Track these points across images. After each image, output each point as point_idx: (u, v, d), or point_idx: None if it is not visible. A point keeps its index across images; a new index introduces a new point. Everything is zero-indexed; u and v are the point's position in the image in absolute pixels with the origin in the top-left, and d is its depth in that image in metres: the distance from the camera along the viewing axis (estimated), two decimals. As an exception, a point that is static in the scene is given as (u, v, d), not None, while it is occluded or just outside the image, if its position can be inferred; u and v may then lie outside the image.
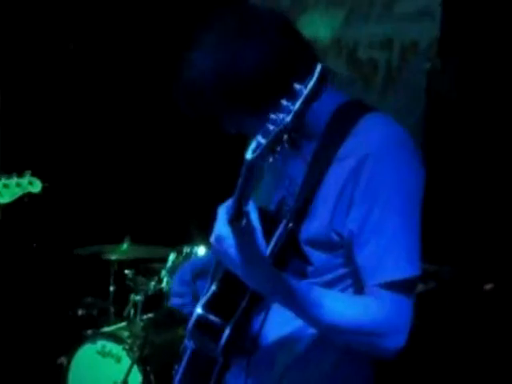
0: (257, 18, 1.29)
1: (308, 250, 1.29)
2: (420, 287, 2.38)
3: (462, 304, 2.72)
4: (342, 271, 1.30)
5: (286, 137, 1.02)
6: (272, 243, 1.26)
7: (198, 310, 1.30)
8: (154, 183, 3.95)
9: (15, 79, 3.66)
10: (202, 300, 1.32)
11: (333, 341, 1.30)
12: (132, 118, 3.97)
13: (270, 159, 1.04)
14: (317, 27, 3.57)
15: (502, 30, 2.98)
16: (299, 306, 1.23)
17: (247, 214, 1.12)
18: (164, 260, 3.04)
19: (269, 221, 1.27)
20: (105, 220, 3.81)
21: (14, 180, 2.77)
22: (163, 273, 3.00)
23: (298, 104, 1.02)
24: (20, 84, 3.70)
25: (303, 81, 1.02)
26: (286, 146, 1.03)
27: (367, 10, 3.53)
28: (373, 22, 3.52)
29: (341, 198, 1.26)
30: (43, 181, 2.82)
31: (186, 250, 2.92)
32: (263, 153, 1.03)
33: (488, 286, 2.75)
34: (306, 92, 1.02)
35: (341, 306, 1.24)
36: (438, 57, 3.26)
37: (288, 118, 1.01)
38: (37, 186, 2.82)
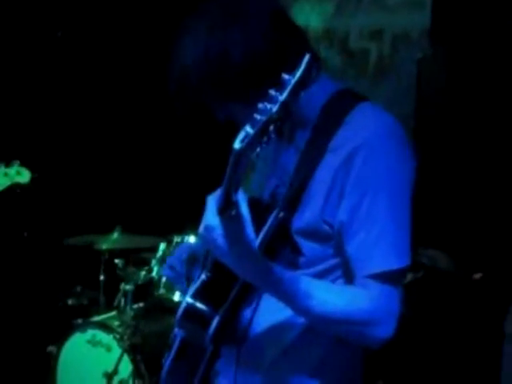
0: (249, 4, 1.28)
1: (299, 240, 1.29)
2: (409, 276, 2.39)
3: (452, 293, 2.73)
4: (332, 262, 1.30)
5: (272, 127, 1.02)
6: (263, 232, 1.26)
7: (188, 299, 1.30)
8: (144, 173, 3.94)
9: (2, 69, 3.63)
10: (192, 289, 1.32)
11: (322, 330, 1.30)
12: (122, 108, 3.95)
13: (258, 149, 1.04)
14: (308, 17, 3.56)
15: (492, 20, 2.98)
16: (288, 296, 1.23)
17: (236, 204, 1.12)
18: (154, 250, 3.04)
19: (261, 210, 1.27)
20: (95, 209, 3.80)
21: (2, 170, 2.72)
22: (153, 262, 3.00)
23: (284, 94, 1.01)
24: (7, 74, 3.67)
25: (293, 70, 1.02)
26: (273, 136, 1.03)
27: (358, 0, 3.53)
28: (364, 12, 3.52)
29: (332, 188, 1.26)
30: (32, 171, 2.78)
31: (177, 239, 2.92)
32: (250, 142, 1.02)
33: (477, 276, 2.76)
34: (293, 82, 1.01)
35: (330, 297, 1.24)
36: (429, 46, 3.26)
37: (274, 109, 1.01)
38: (25, 176, 2.77)
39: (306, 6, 3.62)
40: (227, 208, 1.11)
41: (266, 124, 1.01)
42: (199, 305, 1.29)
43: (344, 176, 1.25)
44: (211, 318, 1.26)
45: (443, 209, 2.98)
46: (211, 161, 3.77)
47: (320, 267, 1.30)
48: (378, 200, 1.23)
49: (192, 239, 2.88)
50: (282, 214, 1.27)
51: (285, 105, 1.01)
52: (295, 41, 1.29)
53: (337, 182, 1.25)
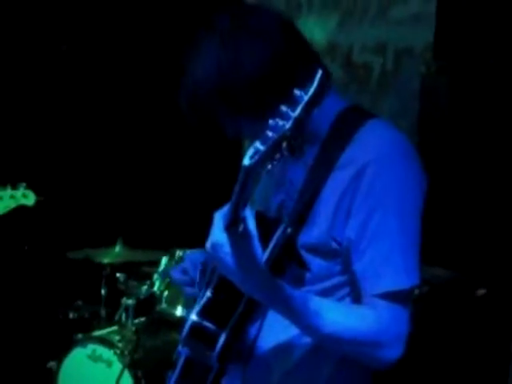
0: (261, 17, 1.28)
1: (306, 255, 1.27)
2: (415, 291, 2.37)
3: (455, 308, 2.71)
4: (340, 279, 1.29)
5: (285, 144, 1.01)
6: (270, 248, 1.24)
7: (193, 317, 1.28)
8: (146, 186, 3.93)
9: (7, 86, 3.64)
10: (197, 307, 1.29)
11: (329, 349, 1.28)
12: (126, 121, 3.95)
13: (269, 166, 1.02)
14: (311, 31, 3.56)
15: (497, 34, 2.98)
16: (296, 314, 1.21)
17: (244, 221, 1.10)
18: (156, 264, 3.02)
19: (267, 224, 1.25)
20: (97, 223, 3.78)
21: (8, 192, 2.77)
22: (155, 276, 2.97)
23: (298, 111, 1.00)
24: (12, 92, 3.68)
25: (304, 85, 1.01)
26: (286, 153, 1.02)
27: (361, 14, 3.53)
28: (367, 26, 3.52)
29: (340, 206, 1.24)
30: (37, 192, 2.82)
31: (179, 253, 2.90)
32: (261, 159, 1.01)
33: (480, 292, 2.74)
34: (306, 98, 1.00)
35: (338, 316, 1.22)
36: (433, 61, 3.26)
37: (287, 125, 0.99)
38: (31, 199, 2.81)
39: (309, 19, 3.63)
40: (235, 224, 1.09)
41: (279, 141, 1.00)
42: (205, 323, 1.26)
43: (353, 193, 1.23)
44: (217, 337, 1.24)
45: (446, 224, 2.96)
46: (215, 175, 3.77)
47: (327, 284, 1.28)
48: (387, 217, 1.22)
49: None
50: (289, 230, 1.25)
51: (298, 121, 1.00)
52: (306, 54, 1.28)
53: (345, 199, 1.24)
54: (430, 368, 2.61)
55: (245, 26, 1.25)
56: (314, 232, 1.26)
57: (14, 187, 2.79)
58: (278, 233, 1.25)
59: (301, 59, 1.26)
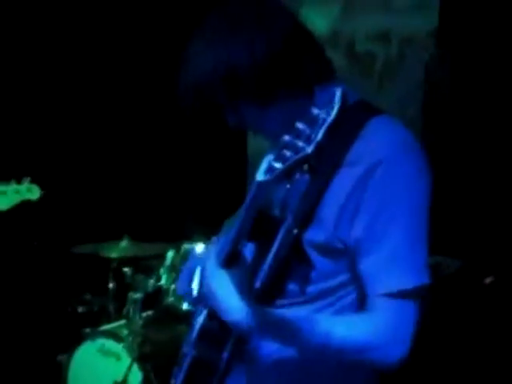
0: (266, 8, 1.28)
1: (312, 253, 1.26)
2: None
3: (463, 298, 2.70)
4: (345, 277, 1.28)
5: (306, 167, 1.00)
6: (275, 247, 1.23)
7: (202, 319, 1.29)
8: (152, 180, 3.93)
9: (10, 82, 3.64)
10: (205, 309, 1.30)
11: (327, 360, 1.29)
12: (129, 116, 3.95)
13: (288, 186, 1.02)
14: (314, 20, 3.55)
15: (500, 22, 2.96)
16: (295, 339, 1.21)
17: (241, 255, 1.11)
18: (163, 257, 3.03)
19: (270, 223, 1.24)
20: (104, 218, 3.80)
21: (13, 187, 2.75)
22: (162, 270, 2.98)
23: (320, 135, 0.99)
24: (15, 90, 3.68)
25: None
26: (306, 174, 1.02)
27: (364, 2, 3.51)
28: (370, 14, 3.50)
29: (347, 204, 1.23)
30: (41, 186, 2.81)
31: (185, 247, 2.91)
32: (277, 177, 1.00)
33: (488, 280, 2.73)
34: (329, 120, 0.99)
35: (341, 329, 1.22)
36: (436, 48, 3.24)
37: (309, 150, 0.99)
38: (35, 193, 2.80)
39: (312, 8, 3.61)
40: (231, 263, 1.10)
41: (299, 162, 0.99)
42: (214, 325, 1.26)
43: (360, 193, 1.22)
44: (226, 339, 1.24)
45: (450, 212, 2.96)
46: (219, 168, 3.78)
47: (332, 282, 1.28)
48: (395, 217, 1.21)
49: (199, 247, 2.87)
50: (295, 231, 1.23)
51: (320, 146, 0.99)
52: (310, 45, 1.28)
53: (352, 198, 1.22)
54: (439, 361, 2.61)
55: (258, 16, 1.25)
56: (320, 231, 1.25)
57: (19, 182, 2.79)
58: (282, 231, 1.23)
59: (305, 50, 1.26)
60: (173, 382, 1.38)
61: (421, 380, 2.56)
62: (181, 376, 1.35)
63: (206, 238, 2.79)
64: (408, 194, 1.22)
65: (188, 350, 1.32)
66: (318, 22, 3.59)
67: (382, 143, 1.24)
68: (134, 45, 3.88)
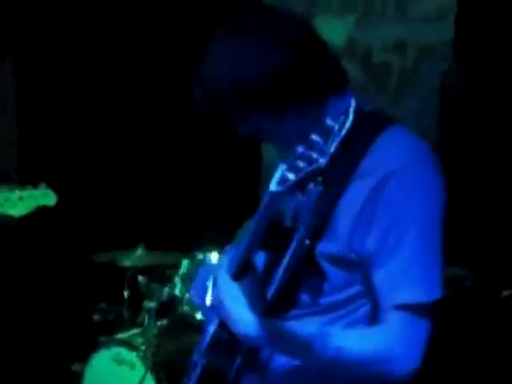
0: (285, 19, 1.29)
1: (325, 265, 1.25)
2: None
3: (480, 311, 2.67)
4: (358, 289, 1.27)
5: (319, 178, 1.00)
6: (287, 258, 1.22)
7: (213, 329, 1.29)
8: (167, 189, 3.94)
9: (35, 90, 3.67)
10: (217, 318, 1.29)
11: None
12: (147, 127, 3.97)
13: (300, 197, 1.02)
14: (330, 31, 3.54)
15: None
16: (305, 354, 1.21)
17: (252, 267, 1.11)
18: (178, 266, 3.03)
19: (283, 234, 1.23)
20: (119, 226, 3.81)
21: (29, 192, 2.74)
22: (176, 279, 2.99)
23: (333, 147, 0.99)
24: (38, 97, 3.71)
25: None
26: (320, 185, 1.01)
27: (380, 13, 3.51)
28: (386, 25, 3.49)
29: (360, 216, 1.22)
30: (57, 192, 2.80)
31: (200, 256, 2.91)
32: (291, 189, 1.01)
33: (506, 293, 2.70)
34: (343, 133, 0.99)
35: (354, 344, 1.21)
36: (453, 58, 3.22)
37: (323, 162, 0.99)
38: (51, 199, 2.78)
39: (327, 20, 3.61)
40: (242, 273, 1.10)
41: (312, 174, 1.00)
42: (225, 335, 1.26)
43: (373, 205, 1.21)
44: (237, 348, 1.24)
45: (467, 224, 2.93)
46: (234, 177, 3.78)
47: (345, 293, 1.27)
48: (408, 230, 1.20)
49: (214, 256, 2.87)
50: (307, 242, 1.22)
51: (334, 158, 1.00)
52: (325, 55, 1.29)
53: (365, 210, 1.22)
54: (454, 373, 2.58)
55: (266, 24, 1.26)
56: (333, 243, 1.24)
57: (35, 187, 2.78)
58: (295, 242, 1.22)
59: (319, 60, 1.26)
60: None
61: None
62: (191, 385, 1.35)
63: (219, 247, 2.81)
64: (421, 206, 1.21)
65: (198, 359, 1.32)
66: (334, 33, 3.59)
67: (394, 155, 1.23)
68: (152, 54, 3.90)
